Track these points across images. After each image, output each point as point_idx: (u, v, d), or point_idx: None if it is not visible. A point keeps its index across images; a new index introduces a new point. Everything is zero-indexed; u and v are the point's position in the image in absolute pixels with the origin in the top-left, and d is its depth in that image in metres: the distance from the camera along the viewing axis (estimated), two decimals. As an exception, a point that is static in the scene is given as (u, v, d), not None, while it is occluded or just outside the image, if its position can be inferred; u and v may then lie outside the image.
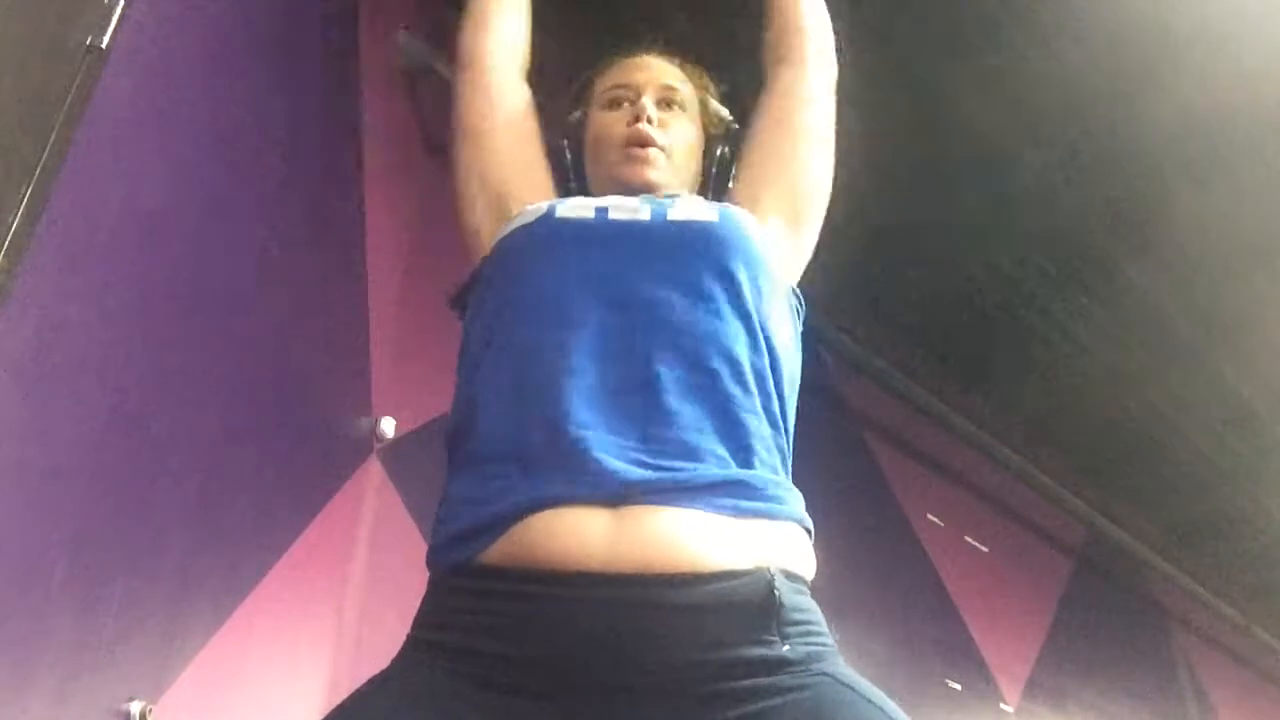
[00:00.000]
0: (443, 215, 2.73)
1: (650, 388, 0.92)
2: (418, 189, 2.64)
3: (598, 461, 0.87)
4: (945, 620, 3.97)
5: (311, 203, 2.03)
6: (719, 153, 1.29)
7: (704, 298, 0.98)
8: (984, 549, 4.31)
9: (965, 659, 3.99)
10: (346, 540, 2.13)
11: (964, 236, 3.44)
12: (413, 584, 2.43)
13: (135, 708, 1.39)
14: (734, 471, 0.91)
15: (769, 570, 0.87)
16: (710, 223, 1.06)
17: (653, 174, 1.20)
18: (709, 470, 0.89)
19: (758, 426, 0.95)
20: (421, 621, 0.90)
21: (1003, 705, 4.09)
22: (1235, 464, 4.66)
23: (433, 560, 0.94)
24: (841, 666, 0.92)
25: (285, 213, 1.90)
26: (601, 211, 1.09)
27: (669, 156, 1.22)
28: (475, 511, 0.90)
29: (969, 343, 4.00)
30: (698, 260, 1.02)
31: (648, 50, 1.33)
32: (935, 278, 3.64)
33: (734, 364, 0.96)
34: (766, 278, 1.06)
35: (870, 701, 0.91)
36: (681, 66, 1.33)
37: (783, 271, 1.14)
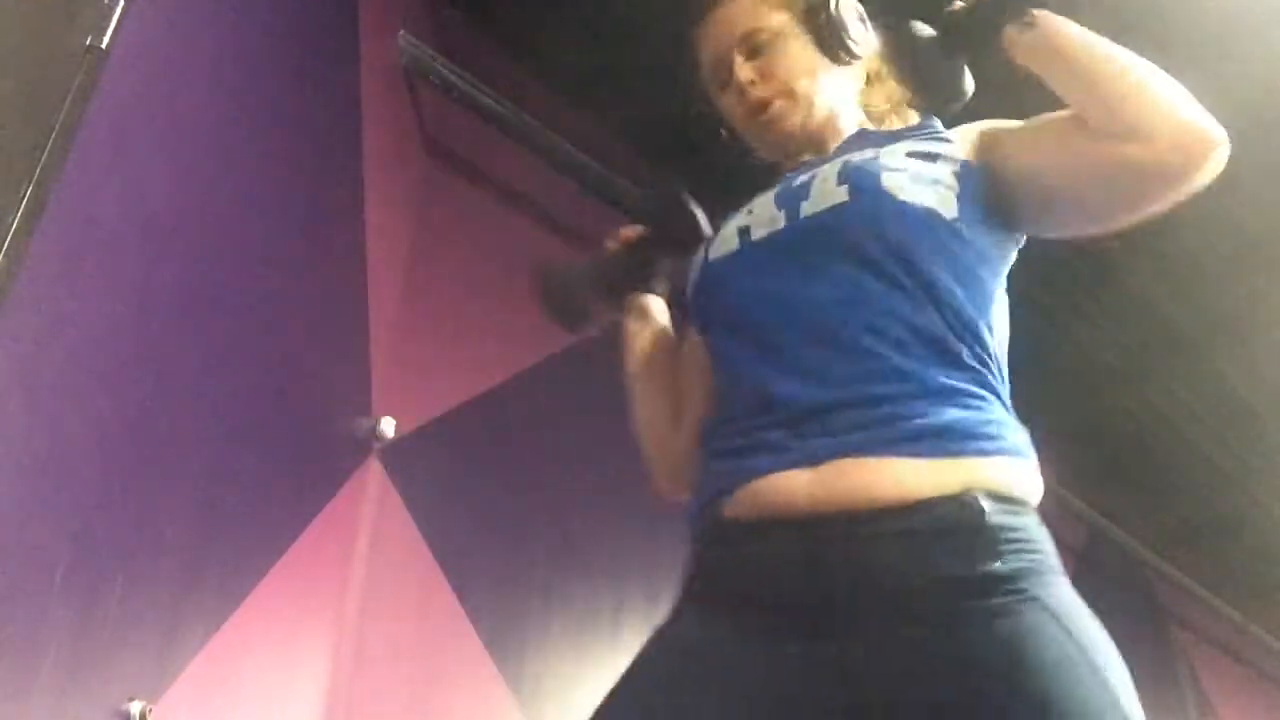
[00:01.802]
0: (443, 215, 2.74)
1: (822, 381, 0.99)
2: (418, 189, 2.64)
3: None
4: (945, 620, 3.96)
5: (311, 203, 2.03)
6: (824, 16, 1.20)
7: (848, 282, 1.02)
8: (984, 549, 4.30)
9: (965, 659, 3.98)
10: (346, 540, 2.14)
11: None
12: (413, 583, 2.44)
13: (135, 708, 1.39)
14: (930, 421, 0.95)
15: (974, 493, 0.90)
16: (840, 206, 1.05)
17: (789, 125, 1.19)
18: (902, 426, 0.95)
19: (941, 375, 0.98)
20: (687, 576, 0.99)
21: (1003, 705, 4.08)
22: (1235, 464, 4.66)
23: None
24: (1056, 589, 0.93)
25: (285, 213, 1.90)
26: (744, 235, 1.11)
27: (791, 96, 1.18)
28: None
29: (969, 343, 3.99)
30: (832, 254, 1.03)
31: (709, 10, 1.25)
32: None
33: (893, 328, 0.99)
34: (919, 229, 1.03)
35: (1072, 637, 0.88)
36: None
37: (958, 207, 1.07)
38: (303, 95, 1.98)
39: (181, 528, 1.55)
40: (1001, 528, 0.89)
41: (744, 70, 1.18)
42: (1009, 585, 0.87)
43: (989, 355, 1.02)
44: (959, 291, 1.01)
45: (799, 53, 1.19)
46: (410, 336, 2.47)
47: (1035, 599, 0.88)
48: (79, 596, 1.26)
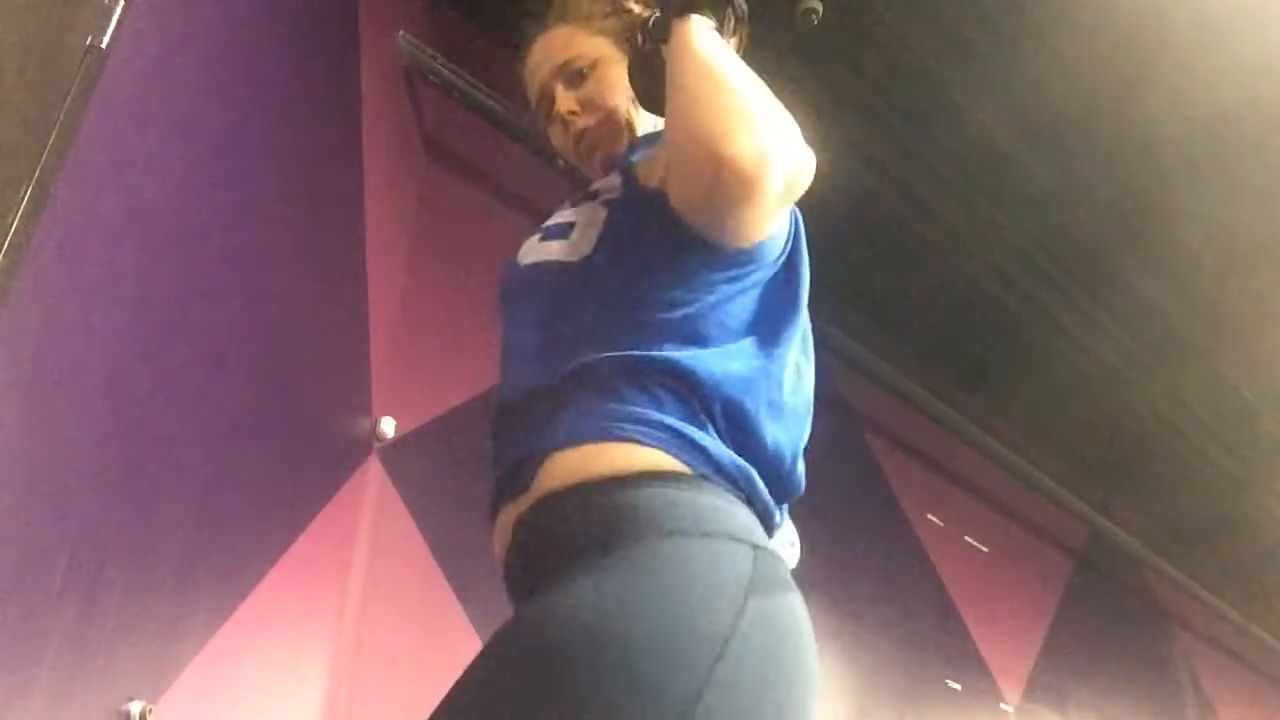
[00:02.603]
0: (443, 215, 2.74)
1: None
2: (418, 189, 2.64)
3: None
4: (945, 620, 3.97)
5: (311, 203, 2.03)
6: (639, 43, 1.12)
7: None
8: (984, 549, 4.31)
9: (965, 659, 3.99)
10: (346, 540, 2.14)
11: (964, 236, 3.44)
12: (413, 583, 2.44)
13: (135, 708, 1.39)
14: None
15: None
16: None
17: (614, 150, 1.18)
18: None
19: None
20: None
21: (1003, 705, 4.09)
22: (1235, 464, 4.66)
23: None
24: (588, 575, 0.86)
25: (285, 213, 1.90)
26: None
27: (612, 122, 1.18)
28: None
29: (969, 343, 4.00)
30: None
31: (531, 41, 1.25)
32: (935, 278, 3.64)
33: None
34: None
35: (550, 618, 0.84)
36: (563, 21, 1.24)
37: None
38: (303, 95, 1.98)
39: (181, 528, 1.55)
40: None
41: (564, 101, 1.19)
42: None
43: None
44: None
45: (618, 78, 1.17)
46: (410, 336, 2.47)
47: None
48: (79, 596, 1.26)
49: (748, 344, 1.02)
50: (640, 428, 0.93)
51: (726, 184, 0.90)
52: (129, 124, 1.28)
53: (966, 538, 4.24)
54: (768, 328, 1.04)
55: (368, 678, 2.05)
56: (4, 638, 1.12)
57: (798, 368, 1.09)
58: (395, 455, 2.31)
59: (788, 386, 1.05)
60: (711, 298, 1.00)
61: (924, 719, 3.68)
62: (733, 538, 0.88)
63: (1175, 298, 3.66)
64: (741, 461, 0.97)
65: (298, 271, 1.95)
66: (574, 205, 1.13)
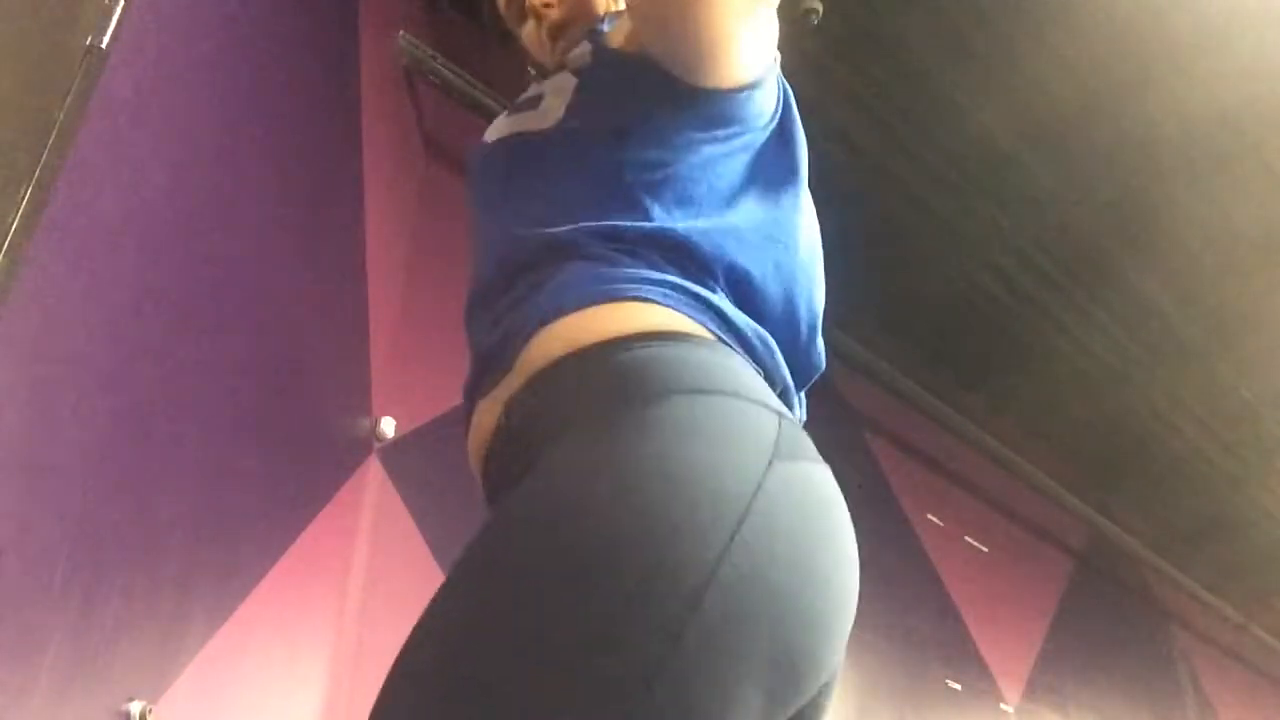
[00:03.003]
0: (443, 215, 2.74)
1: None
2: (418, 189, 2.64)
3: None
4: (945, 620, 3.97)
5: (311, 203, 2.03)
6: None
7: None
8: (984, 549, 4.31)
9: (965, 659, 3.99)
10: (346, 540, 2.14)
11: (964, 236, 3.44)
12: (413, 583, 2.45)
13: (135, 708, 1.39)
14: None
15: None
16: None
17: (567, 36, 1.11)
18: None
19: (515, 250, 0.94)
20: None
21: (1003, 705, 4.09)
22: (1235, 464, 4.66)
23: None
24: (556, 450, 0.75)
25: (285, 213, 1.90)
26: None
27: (587, 9, 1.11)
28: None
29: (969, 343, 4.00)
30: None
31: None
32: (935, 278, 3.64)
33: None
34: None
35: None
36: None
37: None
38: (303, 95, 1.98)
39: (181, 528, 1.55)
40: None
41: None
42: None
43: None
44: None
45: None
46: (410, 336, 2.47)
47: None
48: (79, 596, 1.26)
49: (744, 208, 0.93)
50: (645, 287, 0.82)
51: None
52: (129, 124, 1.28)
53: (966, 538, 4.24)
54: (764, 192, 0.96)
55: (368, 678, 2.05)
56: (4, 638, 1.12)
57: (806, 232, 1.01)
58: (395, 455, 2.31)
59: (798, 248, 0.96)
60: (695, 158, 0.92)
61: (924, 719, 3.68)
62: (753, 399, 0.77)
63: (1175, 298, 3.66)
64: (760, 328, 0.87)
65: (298, 271, 1.95)
66: (541, 81, 1.06)
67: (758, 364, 0.85)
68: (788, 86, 1.02)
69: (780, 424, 0.76)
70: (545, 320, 0.83)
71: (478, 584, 0.70)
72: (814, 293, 0.99)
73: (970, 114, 2.98)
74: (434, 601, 0.73)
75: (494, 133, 1.05)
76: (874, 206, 3.29)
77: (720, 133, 0.93)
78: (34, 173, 1.04)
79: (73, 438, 1.23)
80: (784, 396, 0.89)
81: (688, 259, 0.86)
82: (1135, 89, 2.87)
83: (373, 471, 2.26)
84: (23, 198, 1.02)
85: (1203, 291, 3.63)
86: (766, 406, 0.77)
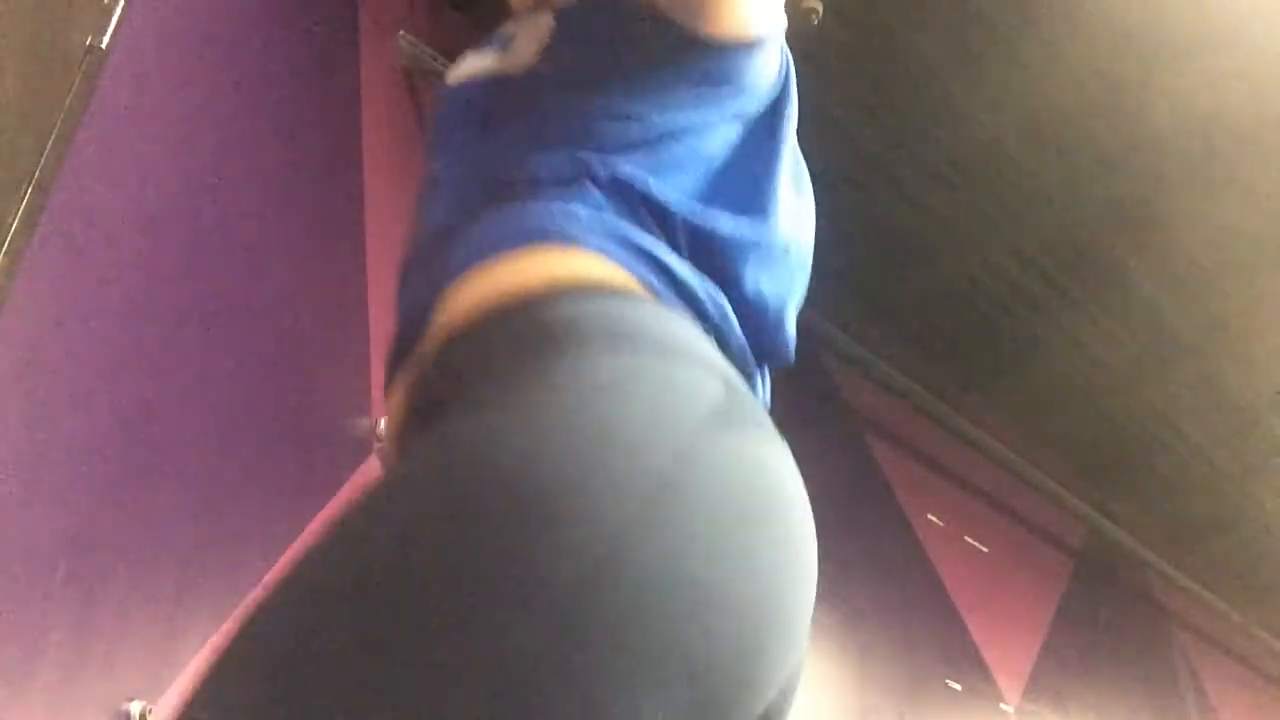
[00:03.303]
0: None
1: None
2: (417, 189, 2.64)
3: None
4: (945, 620, 3.97)
5: (311, 202, 2.03)
6: None
7: None
8: (984, 549, 4.31)
9: (965, 659, 3.99)
10: (346, 540, 2.13)
11: (964, 236, 3.44)
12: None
13: (135, 708, 1.39)
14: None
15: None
16: None
17: None
18: None
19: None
20: None
21: (1003, 705, 4.09)
22: (1235, 464, 4.66)
23: None
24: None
25: (285, 212, 1.90)
26: None
27: None
28: None
29: (969, 343, 4.00)
30: None
31: None
32: (935, 277, 3.64)
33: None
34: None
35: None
36: None
37: None
38: (303, 95, 1.98)
39: (181, 528, 1.55)
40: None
41: None
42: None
43: None
44: None
45: None
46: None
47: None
48: (79, 596, 1.26)
49: (725, 181, 0.82)
50: (570, 227, 0.69)
51: None
52: (129, 124, 1.28)
53: (966, 538, 4.24)
54: (749, 169, 0.85)
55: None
56: (4, 638, 1.12)
57: (795, 207, 0.91)
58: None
59: (782, 225, 0.85)
60: (680, 117, 0.81)
61: (924, 719, 3.68)
62: (697, 363, 0.64)
63: (1175, 298, 3.66)
64: (714, 289, 0.75)
65: (297, 271, 1.95)
66: (516, 20, 0.95)
67: (707, 325, 0.73)
68: (791, 60, 0.93)
69: (727, 389, 0.63)
70: (452, 276, 0.69)
71: (336, 550, 0.56)
72: (794, 281, 0.88)
73: (970, 114, 2.98)
74: (287, 569, 0.57)
75: (457, 74, 0.93)
76: (874, 206, 3.29)
77: (711, 91, 0.83)
78: (34, 173, 1.04)
79: (73, 437, 1.23)
80: (740, 365, 0.76)
81: (643, 207, 0.74)
82: (1135, 89, 2.87)
83: (373, 471, 2.26)
84: (23, 198, 1.02)
85: (1203, 291, 3.63)
86: (711, 369, 0.64)
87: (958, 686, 3.88)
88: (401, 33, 2.52)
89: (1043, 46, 2.77)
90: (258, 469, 1.81)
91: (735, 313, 0.76)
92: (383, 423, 2.30)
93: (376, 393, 2.32)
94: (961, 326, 3.90)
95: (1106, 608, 5.06)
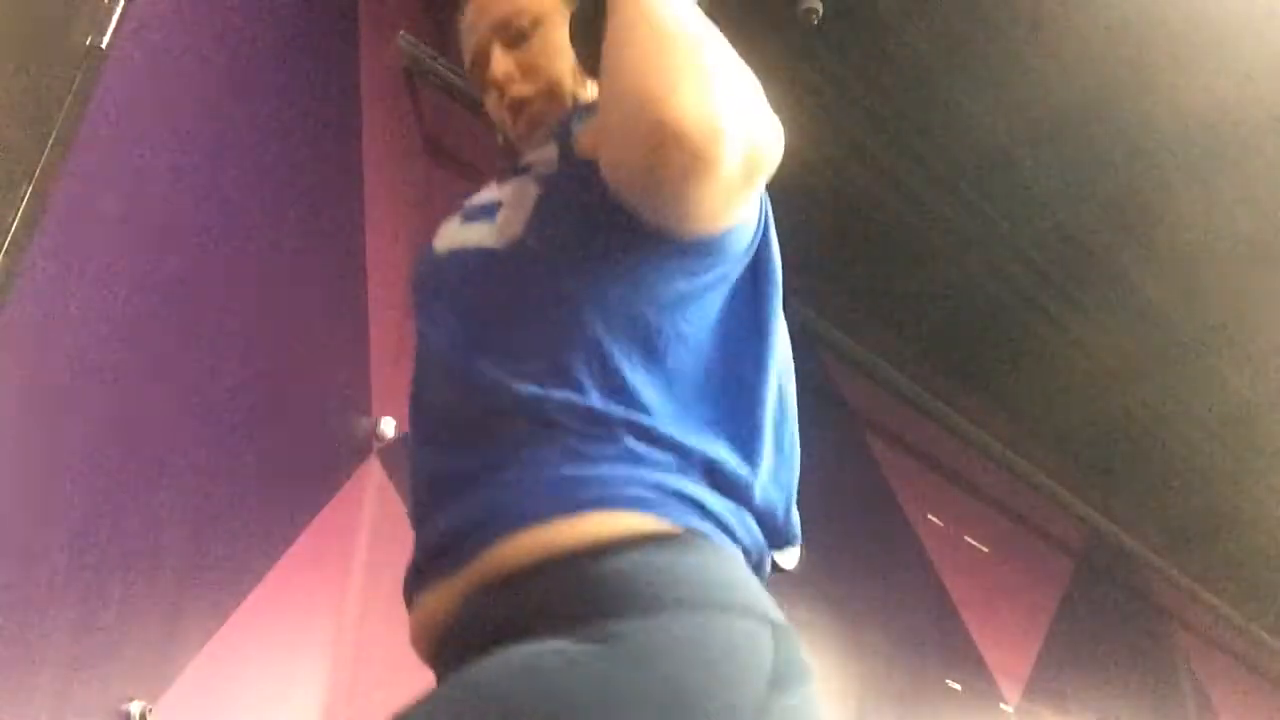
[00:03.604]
0: (443, 216, 2.73)
1: None
2: (418, 189, 2.64)
3: None
4: (945, 620, 3.97)
5: (311, 203, 2.03)
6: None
7: None
8: (984, 549, 4.31)
9: (965, 659, 3.99)
10: (346, 540, 2.13)
11: (964, 236, 3.44)
12: (413, 584, 2.42)
13: (135, 708, 1.39)
14: None
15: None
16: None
17: (546, 120, 1.02)
18: None
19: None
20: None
21: (1003, 705, 4.09)
22: (1235, 464, 4.66)
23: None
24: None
25: (285, 213, 1.90)
26: None
27: (555, 94, 1.01)
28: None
29: (969, 342, 4.00)
30: None
31: None
32: (935, 277, 3.64)
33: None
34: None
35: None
36: None
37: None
38: (303, 95, 1.98)
39: (181, 528, 1.55)
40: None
41: (501, 63, 1.02)
42: None
43: None
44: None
45: (553, 33, 1.01)
46: (410, 336, 2.47)
47: None
48: (79, 596, 1.26)
49: (716, 369, 0.86)
50: (613, 490, 0.77)
51: (669, 154, 0.71)
52: (129, 124, 1.28)
53: (966, 538, 4.24)
54: (738, 343, 0.88)
55: (368, 678, 2.05)
56: (4, 638, 1.12)
57: (780, 394, 0.93)
58: (395, 455, 2.31)
59: (770, 422, 0.89)
60: (664, 297, 0.84)
61: (924, 719, 3.68)
62: (749, 612, 0.74)
63: (1175, 298, 3.66)
64: (738, 508, 0.83)
65: (298, 271, 1.95)
66: (501, 182, 0.97)
67: (737, 544, 0.82)
68: (767, 200, 0.92)
69: (775, 640, 0.73)
70: (511, 526, 0.77)
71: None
72: (792, 470, 0.93)
73: (970, 114, 2.98)
74: None
75: (443, 240, 0.96)
76: (874, 206, 3.29)
77: (695, 266, 0.84)
78: (34, 173, 1.04)
79: (72, 437, 1.23)
80: (759, 565, 0.87)
81: (662, 445, 0.81)
82: (1135, 89, 2.87)
83: (373, 471, 2.26)
84: (23, 198, 1.02)
85: (1203, 291, 3.63)
86: (762, 618, 0.74)
87: (958, 686, 3.88)
88: (401, 33, 2.52)
89: (1043, 46, 2.77)
90: (258, 469, 1.81)
91: (753, 515, 0.84)
92: (383, 422, 2.30)
93: (376, 393, 2.32)
94: (961, 326, 3.90)
95: (1106, 608, 5.06)
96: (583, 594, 0.72)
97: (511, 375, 0.82)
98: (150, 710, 1.41)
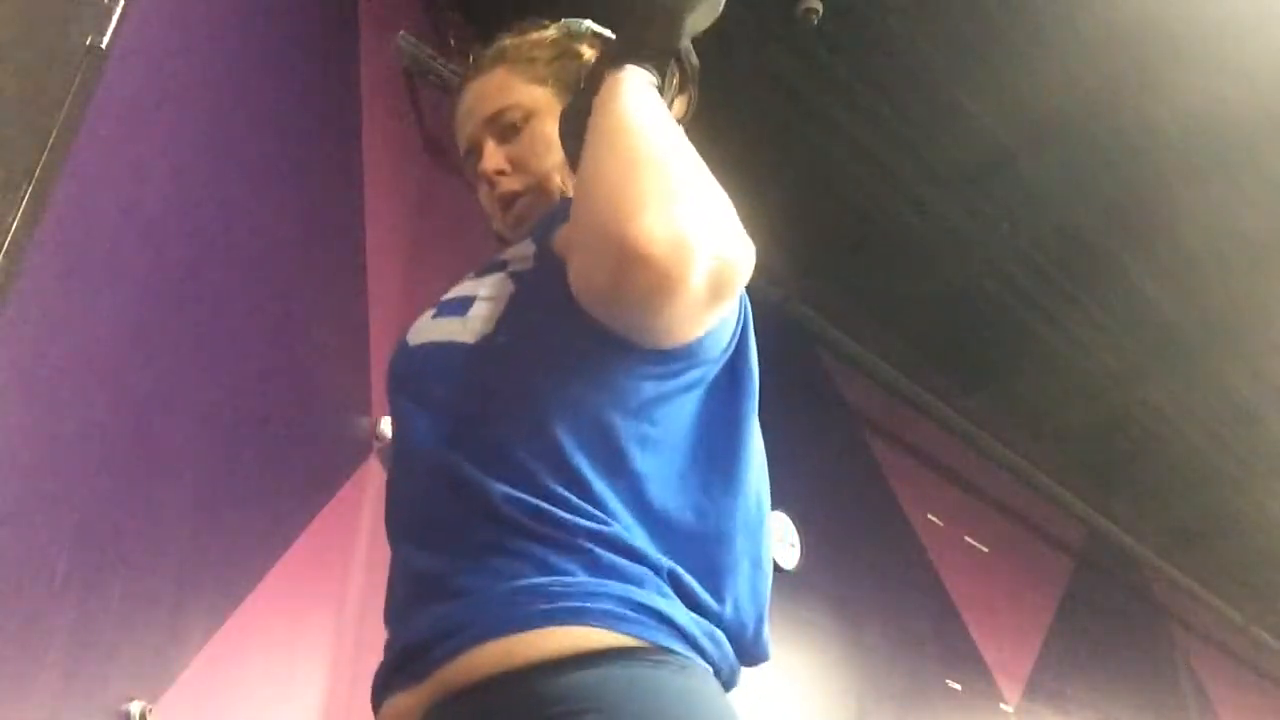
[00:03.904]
0: (443, 215, 2.74)
1: None
2: (418, 189, 2.64)
3: None
4: (945, 620, 3.97)
5: (311, 203, 2.03)
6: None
7: None
8: (984, 549, 4.31)
9: (965, 659, 3.99)
10: (346, 540, 2.13)
11: (964, 236, 3.44)
12: (413, 584, 2.42)
13: (135, 708, 1.39)
14: None
15: None
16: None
17: (533, 215, 1.03)
18: None
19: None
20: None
21: (1003, 705, 4.09)
22: (1235, 464, 4.66)
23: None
24: None
25: (285, 213, 1.90)
26: None
27: (545, 189, 1.03)
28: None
29: (969, 343, 4.00)
30: None
31: (465, 82, 1.11)
32: (935, 277, 3.64)
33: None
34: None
35: None
36: (499, 64, 1.09)
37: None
38: (303, 95, 1.98)
39: (181, 528, 1.55)
40: None
41: (492, 158, 1.04)
42: None
43: None
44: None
45: (545, 122, 1.02)
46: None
47: None
48: (79, 596, 1.26)
49: (689, 478, 0.85)
50: (577, 603, 0.77)
51: (634, 274, 0.71)
52: (129, 124, 1.28)
53: (966, 538, 4.24)
54: (712, 449, 0.87)
55: (368, 678, 2.05)
56: (4, 638, 1.12)
57: (759, 502, 0.90)
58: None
59: (742, 537, 0.87)
60: (632, 401, 0.83)
61: (924, 719, 3.68)
62: None
63: (1175, 298, 3.66)
64: (707, 624, 0.82)
65: (298, 271, 1.95)
66: (478, 276, 0.97)
67: (708, 661, 0.81)
68: (749, 304, 0.91)
69: None
70: (474, 639, 0.77)
71: None
72: (765, 584, 0.90)
73: (970, 114, 2.98)
74: None
75: (417, 335, 0.96)
76: (875, 207, 3.29)
77: (664, 370, 0.84)
78: (34, 173, 1.04)
79: (73, 437, 1.23)
80: (729, 680, 0.86)
81: (630, 556, 0.80)
82: (1135, 89, 2.87)
83: (373, 471, 2.26)
84: (23, 198, 1.02)
85: (1203, 291, 3.63)
86: None
87: (958, 686, 3.88)
88: (401, 33, 2.52)
89: (1043, 46, 2.77)
90: (257, 469, 1.81)
91: (722, 631, 0.83)
92: (383, 422, 2.30)
93: (376, 393, 2.32)
94: (961, 326, 3.90)
95: (1106, 608, 5.06)
96: (543, 708, 0.72)
97: (482, 473, 0.81)
98: (150, 710, 1.41)
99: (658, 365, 0.83)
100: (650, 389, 0.84)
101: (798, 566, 3.24)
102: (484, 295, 0.92)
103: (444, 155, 2.76)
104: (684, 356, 0.83)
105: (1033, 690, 4.28)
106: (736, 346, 0.88)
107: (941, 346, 4.02)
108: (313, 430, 2.07)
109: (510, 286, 0.90)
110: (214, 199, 1.59)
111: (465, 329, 0.89)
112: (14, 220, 1.01)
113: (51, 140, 1.08)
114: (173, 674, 1.53)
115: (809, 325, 3.52)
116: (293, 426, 1.96)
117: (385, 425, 2.30)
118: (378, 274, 2.31)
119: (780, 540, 3.20)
